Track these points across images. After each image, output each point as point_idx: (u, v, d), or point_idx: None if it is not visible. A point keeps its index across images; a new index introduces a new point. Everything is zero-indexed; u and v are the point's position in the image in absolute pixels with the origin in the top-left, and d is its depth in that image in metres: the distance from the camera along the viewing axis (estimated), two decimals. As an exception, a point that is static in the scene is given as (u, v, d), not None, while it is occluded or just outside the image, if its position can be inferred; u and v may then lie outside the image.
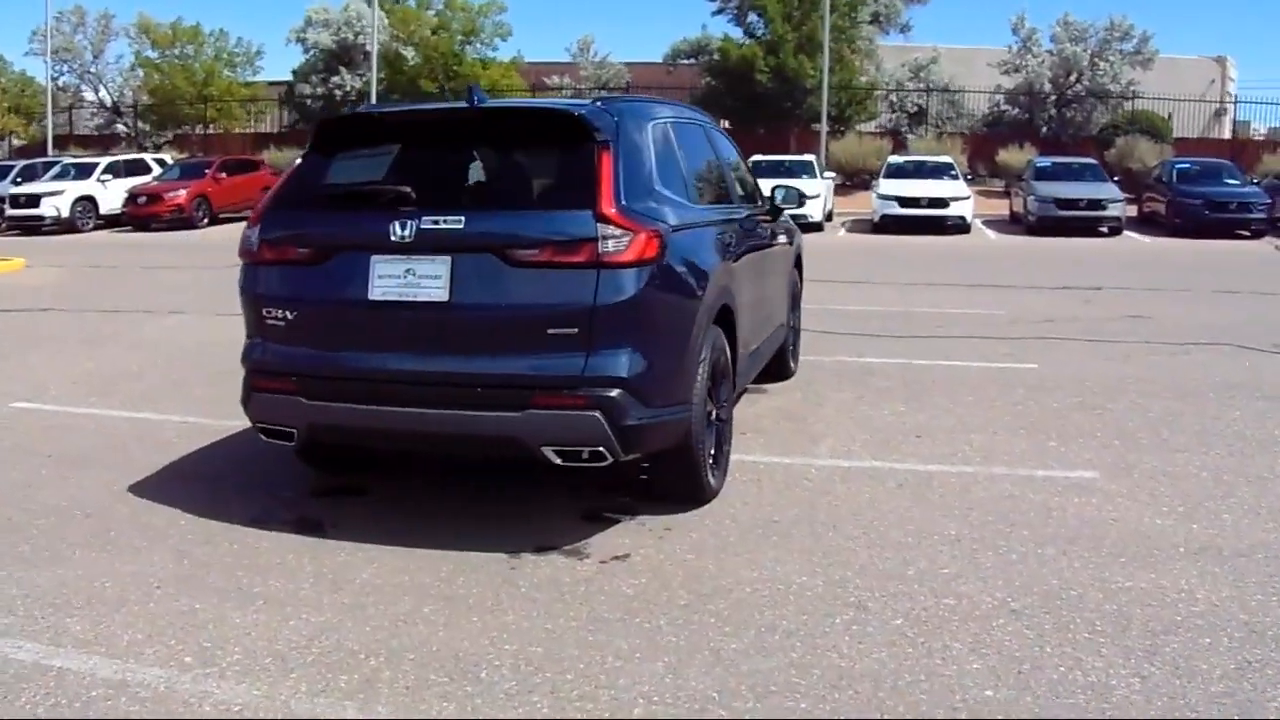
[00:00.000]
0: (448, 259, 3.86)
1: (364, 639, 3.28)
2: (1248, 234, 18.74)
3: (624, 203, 3.85)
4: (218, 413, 6.18)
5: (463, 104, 4.23)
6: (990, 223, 21.77)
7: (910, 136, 31.94)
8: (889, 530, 4.23)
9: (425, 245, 3.86)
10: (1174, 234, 19.26)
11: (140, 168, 24.20)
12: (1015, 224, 21.43)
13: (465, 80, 34.56)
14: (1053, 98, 32.39)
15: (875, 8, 34.51)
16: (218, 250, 17.29)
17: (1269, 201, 19.12)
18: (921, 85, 34.15)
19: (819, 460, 5.21)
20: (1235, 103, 35.11)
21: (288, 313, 4.08)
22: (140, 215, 21.66)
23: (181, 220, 21.42)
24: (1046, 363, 7.55)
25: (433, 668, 3.10)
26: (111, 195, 22.48)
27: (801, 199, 6.48)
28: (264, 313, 4.14)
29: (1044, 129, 31.79)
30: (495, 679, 3.04)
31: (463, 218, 3.87)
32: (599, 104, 4.22)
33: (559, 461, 3.89)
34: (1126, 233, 19.60)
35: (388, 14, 32.89)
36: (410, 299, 3.89)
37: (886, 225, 20.12)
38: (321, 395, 4.01)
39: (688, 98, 35.89)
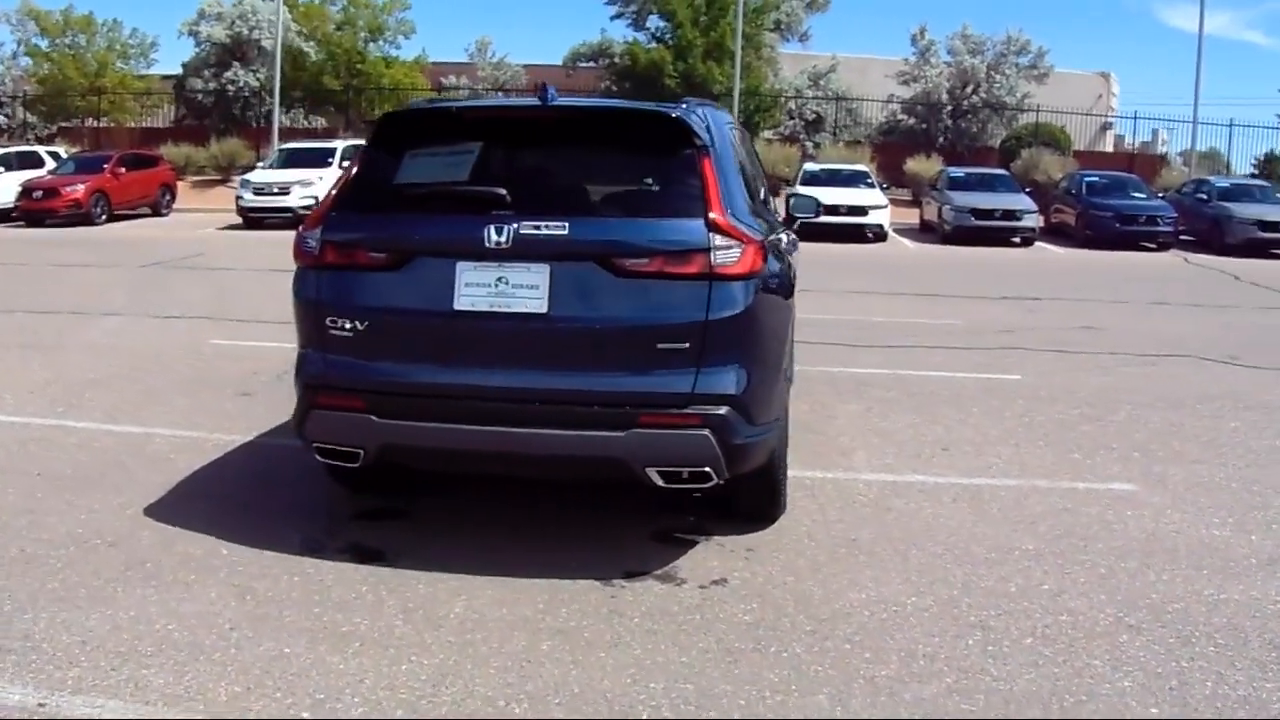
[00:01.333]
0: (546, 267, 3.63)
1: (493, 683, 3.05)
2: (1154, 246, 19.70)
3: (730, 212, 3.71)
4: (205, 425, 5.80)
5: (548, 102, 4.02)
6: (902, 231, 22.28)
7: (809, 144, 32.46)
8: (969, 546, 4.20)
9: (522, 253, 3.61)
10: (1084, 245, 20.04)
11: (33, 160, 22.63)
12: (927, 233, 21.93)
13: (369, 78, 33.72)
14: (949, 108, 33.50)
15: (777, 15, 35.13)
16: (123, 248, 16.36)
17: (1175, 215, 20.13)
18: (821, 93, 34.90)
19: (863, 475, 5.15)
20: (1126, 117, 36.95)
21: (357, 323, 3.75)
22: (35, 210, 20.24)
23: (79, 216, 20.10)
24: (1028, 373, 7.70)
25: (588, 713, 2.90)
26: (2, 188, 20.96)
27: (818, 209, 6.41)
28: (327, 322, 3.79)
29: (940, 139, 32.85)
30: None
31: (566, 224, 3.63)
32: (685, 105, 4.06)
33: (660, 483, 3.71)
34: (1038, 244, 20.38)
35: (290, 9, 31.71)
36: (502, 310, 3.65)
37: (806, 232, 20.24)
38: (396, 413, 3.71)
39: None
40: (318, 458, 3.98)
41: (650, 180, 3.83)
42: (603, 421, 3.59)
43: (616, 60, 35.21)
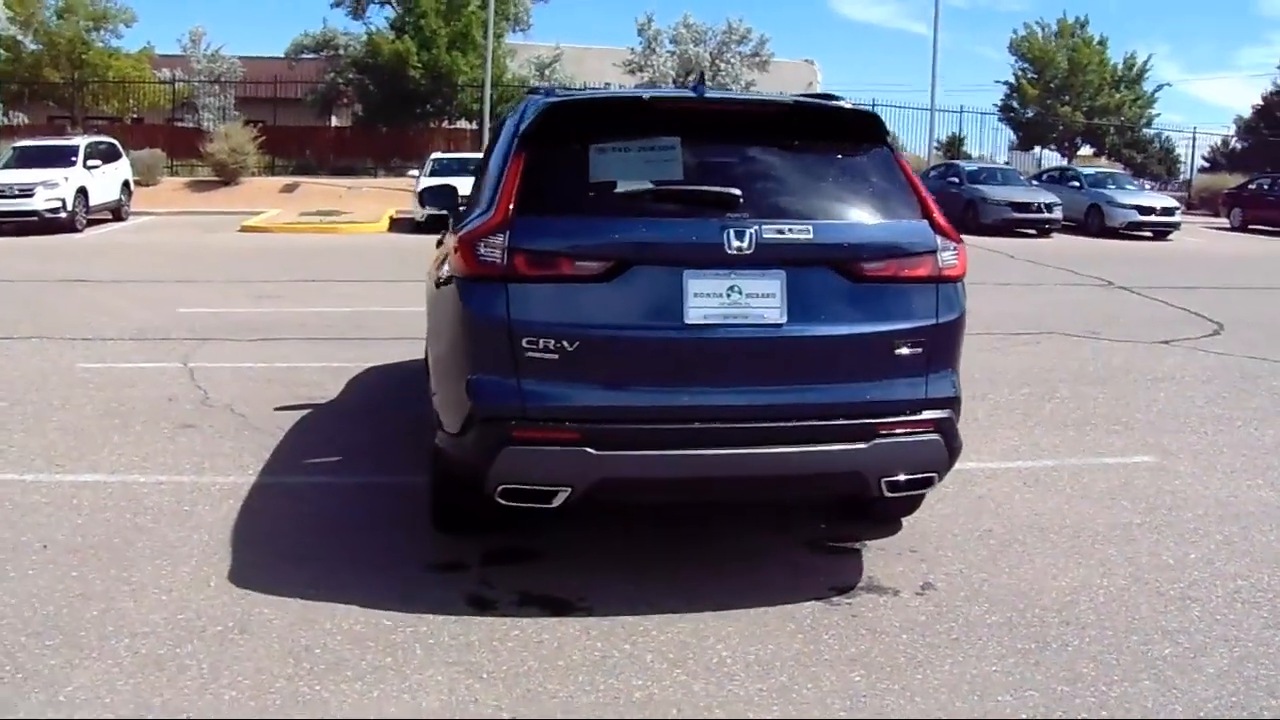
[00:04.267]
0: (781, 274, 3.37)
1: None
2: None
3: (940, 212, 3.64)
4: (181, 467, 5.01)
5: (702, 94, 3.73)
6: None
7: None
8: (1088, 525, 4.38)
9: (758, 259, 3.33)
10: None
11: None
12: None
13: (95, 70, 29.84)
14: None
15: (505, 6, 34.93)
16: None
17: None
18: (546, 83, 35.05)
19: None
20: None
21: (565, 343, 3.28)
22: None
23: None
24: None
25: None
26: None
27: None
28: (524, 344, 3.29)
29: None
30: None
31: (810, 227, 3.40)
32: (838, 97, 3.91)
33: (887, 493, 3.58)
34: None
35: (0, -4, 27.51)
36: (737, 321, 3.35)
37: (430, 225, 18.49)
38: (617, 443, 3.30)
39: (314, 93, 34.08)
40: (499, 500, 3.43)
41: (859, 180, 3.66)
42: (844, 435, 3.41)
43: (343, 51, 33.64)
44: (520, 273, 3.33)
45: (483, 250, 3.36)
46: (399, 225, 20.83)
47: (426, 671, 3.06)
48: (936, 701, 2.95)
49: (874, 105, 37.23)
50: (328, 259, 14.79)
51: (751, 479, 3.47)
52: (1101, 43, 37.40)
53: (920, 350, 3.51)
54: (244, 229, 19.26)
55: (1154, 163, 39.68)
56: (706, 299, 3.34)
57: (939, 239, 3.55)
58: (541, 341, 3.30)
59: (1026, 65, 37.73)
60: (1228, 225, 26.02)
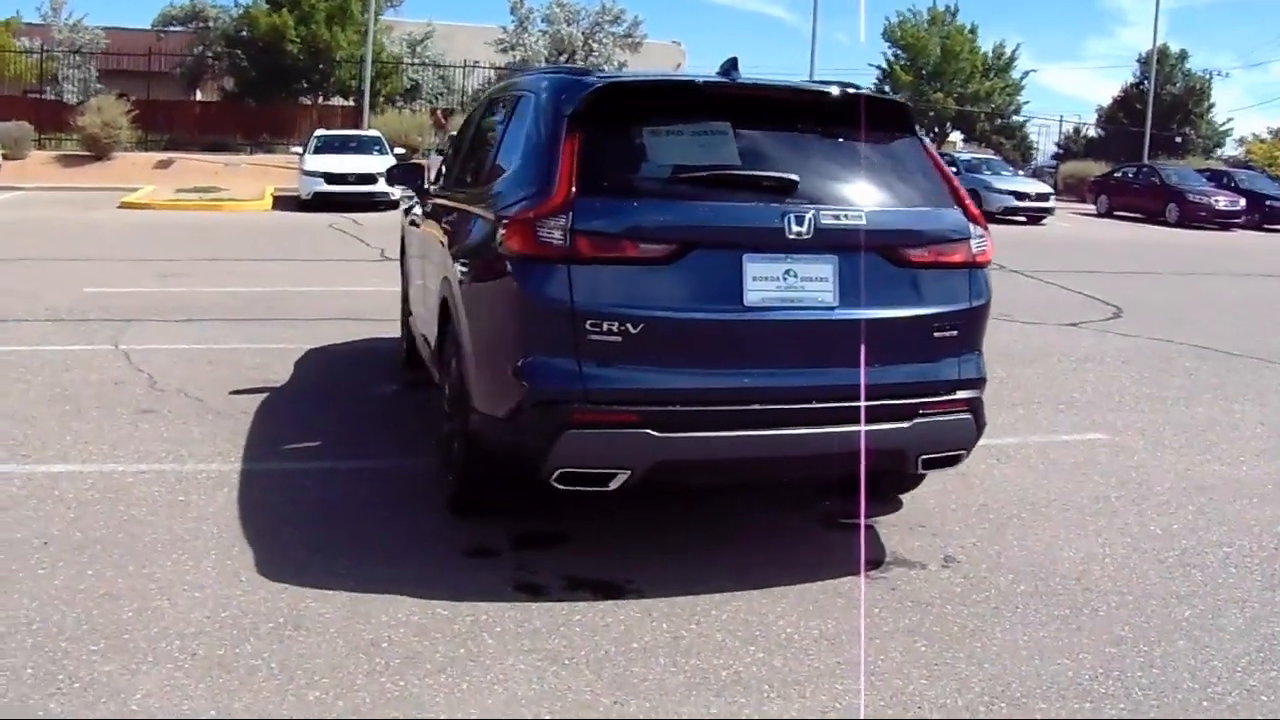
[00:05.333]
0: (834, 258, 3.45)
1: (924, 696, 2.94)
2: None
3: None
4: (154, 454, 4.78)
5: (735, 79, 3.77)
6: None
7: (441, 111, 31.65)
8: (1094, 501, 4.63)
9: (814, 243, 3.40)
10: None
11: None
12: None
13: None
14: None
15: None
16: None
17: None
18: (418, 60, 34.24)
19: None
20: None
21: (629, 325, 3.27)
22: None
23: None
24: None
25: (1059, 700, 2.91)
26: None
27: None
28: (587, 326, 3.27)
29: None
30: (1074, 701, 2.93)
31: (862, 213, 3.49)
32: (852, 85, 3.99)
33: (920, 471, 3.73)
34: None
35: None
36: (792, 304, 3.42)
37: (316, 203, 18.67)
38: (676, 426, 3.32)
39: (182, 66, 32.43)
40: (556, 485, 3.41)
41: (896, 167, 3.75)
42: (889, 414, 3.52)
43: (213, 24, 32.16)
44: (583, 255, 3.31)
45: (543, 232, 3.32)
46: (282, 203, 20.11)
47: (506, 661, 3.01)
48: (1004, 666, 3.09)
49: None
50: (220, 237, 14.21)
51: (801, 459, 3.58)
52: (973, 31, 39.02)
53: (955, 333, 3.66)
54: (124, 205, 18.27)
55: (1011, 149, 41.82)
56: (765, 282, 3.40)
57: (971, 226, 3.70)
58: (605, 324, 3.29)
59: (900, 51, 39.01)
60: (1094, 211, 27.72)
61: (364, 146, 20.92)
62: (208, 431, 5.10)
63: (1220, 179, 27.66)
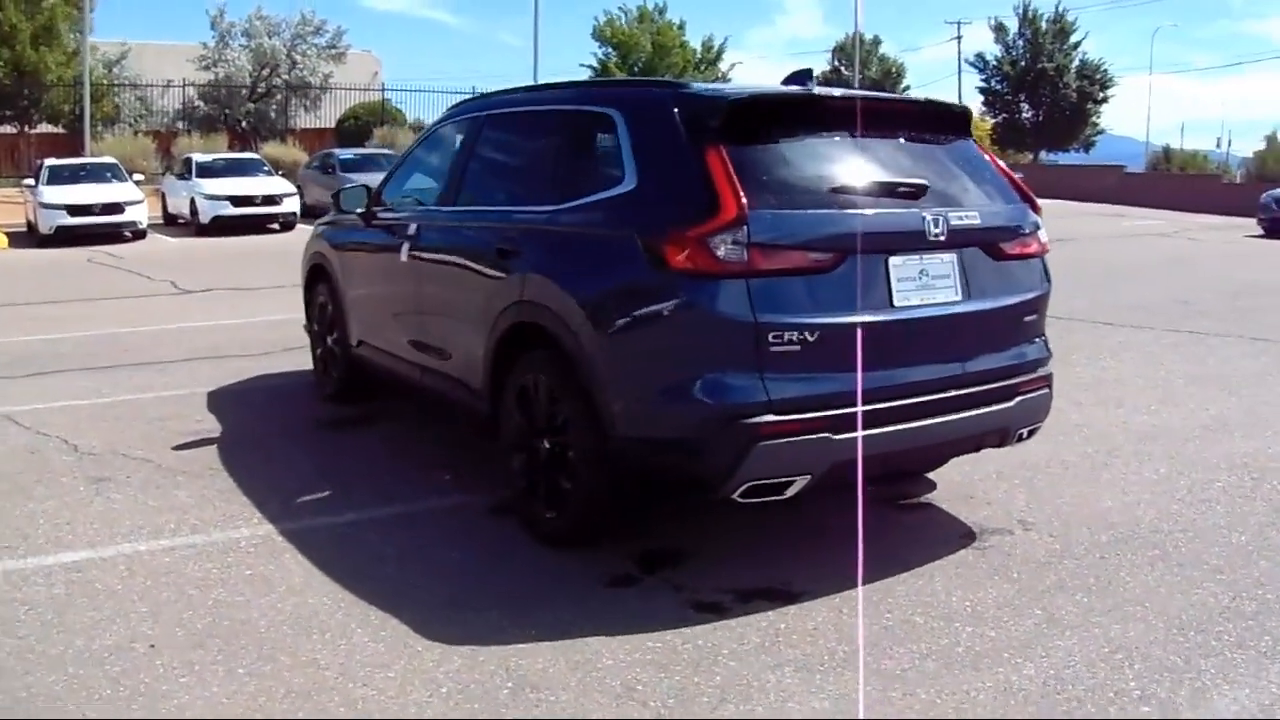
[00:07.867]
0: (955, 256, 3.72)
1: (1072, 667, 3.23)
2: None
3: (1029, 197, 4.14)
4: (165, 529, 4.19)
5: (884, 95, 3.96)
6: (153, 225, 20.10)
7: (108, 136, 28.88)
8: (1082, 459, 5.10)
9: (942, 243, 3.65)
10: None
11: None
12: (177, 225, 20.50)
13: None
14: (247, 91, 32.96)
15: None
16: None
17: None
18: (119, 82, 31.76)
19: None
20: (414, 91, 39.43)
21: (807, 334, 3.35)
22: None
23: None
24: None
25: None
26: None
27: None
28: (770, 339, 3.31)
29: (242, 123, 32.32)
30: (1240, 621, 3.32)
31: (976, 212, 3.78)
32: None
33: (1013, 444, 4.04)
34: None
35: None
36: (929, 301, 3.64)
37: (58, 238, 17.29)
38: (849, 427, 3.43)
39: None
40: (738, 499, 3.41)
41: (967, 168, 4.02)
42: (1001, 396, 3.84)
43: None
44: (759, 268, 3.35)
45: (720, 246, 3.31)
46: (18, 240, 18.03)
47: (774, 673, 3.02)
48: (1162, 604, 3.46)
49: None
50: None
51: (938, 445, 3.83)
52: (681, 26, 40.70)
53: (1036, 316, 4.05)
54: None
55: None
56: (906, 283, 3.60)
57: (1039, 219, 4.08)
58: (786, 335, 3.35)
59: (611, 50, 39.93)
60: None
61: (99, 174, 19.25)
62: (195, 495, 4.55)
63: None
